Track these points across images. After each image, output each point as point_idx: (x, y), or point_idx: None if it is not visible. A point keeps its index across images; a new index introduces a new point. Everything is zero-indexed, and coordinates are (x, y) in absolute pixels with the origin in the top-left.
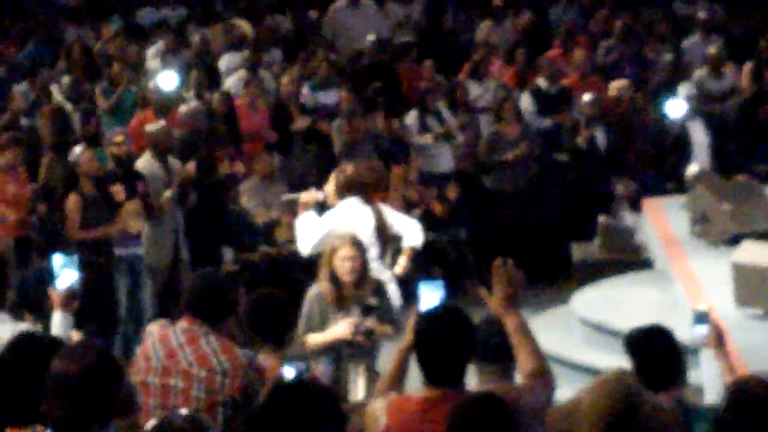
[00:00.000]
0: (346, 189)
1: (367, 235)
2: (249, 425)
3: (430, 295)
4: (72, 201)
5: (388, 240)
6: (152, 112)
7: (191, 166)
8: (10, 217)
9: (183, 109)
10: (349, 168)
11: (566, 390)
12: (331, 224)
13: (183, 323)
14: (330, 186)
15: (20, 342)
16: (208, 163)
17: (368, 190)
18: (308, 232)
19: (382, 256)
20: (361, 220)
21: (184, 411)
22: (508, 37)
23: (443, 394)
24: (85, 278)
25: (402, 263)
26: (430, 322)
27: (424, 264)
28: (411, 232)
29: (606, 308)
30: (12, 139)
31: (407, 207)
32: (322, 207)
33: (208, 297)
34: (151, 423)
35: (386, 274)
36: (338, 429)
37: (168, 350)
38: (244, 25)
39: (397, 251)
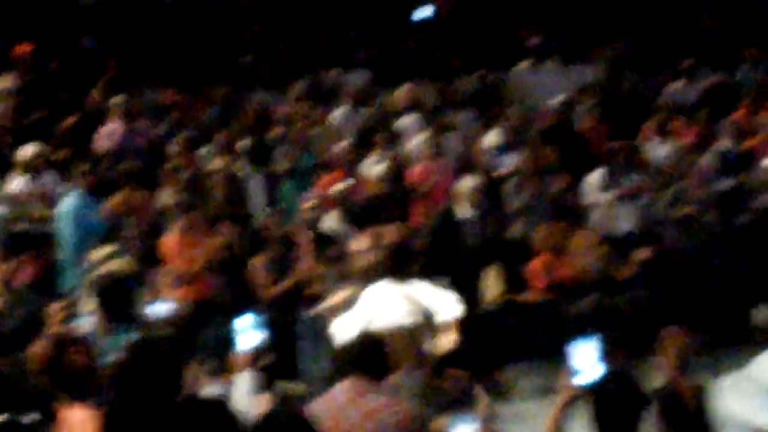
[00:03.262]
0: (369, 275)
1: (406, 312)
2: None
3: (584, 355)
4: (257, 263)
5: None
6: (341, 173)
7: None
8: (193, 279)
9: (367, 171)
10: (366, 256)
11: None
12: (365, 315)
13: (347, 383)
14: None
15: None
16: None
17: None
18: (347, 331)
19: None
20: (391, 301)
21: None
22: (692, 97)
23: None
24: (270, 339)
25: (448, 338)
26: (606, 388)
27: (602, 325)
28: (445, 306)
29: None
30: (185, 202)
31: (590, 267)
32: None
33: (371, 355)
34: None
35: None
36: None
37: (334, 408)
38: (424, 88)
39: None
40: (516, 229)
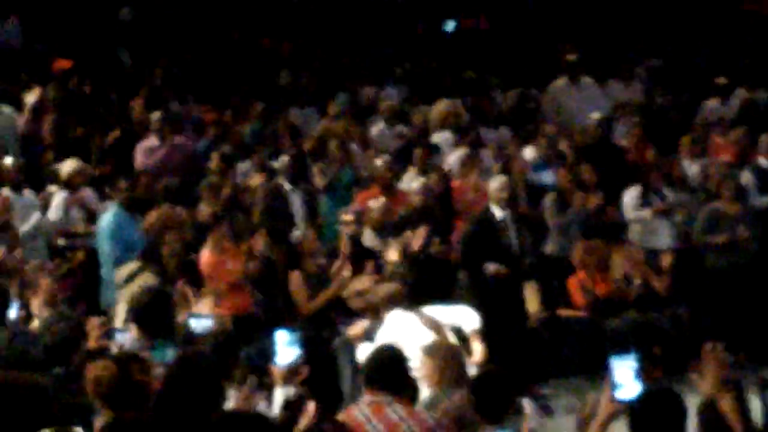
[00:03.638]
0: (385, 305)
1: (425, 338)
2: None
3: (624, 371)
4: (295, 278)
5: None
6: (377, 190)
7: (417, 241)
8: (230, 295)
9: (405, 187)
10: (381, 288)
11: None
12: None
13: (366, 397)
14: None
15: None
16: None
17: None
18: None
19: None
20: (410, 328)
21: None
22: (728, 115)
23: None
24: (308, 354)
25: (476, 349)
26: (647, 404)
27: (644, 343)
28: (465, 318)
29: None
30: (224, 218)
31: (627, 284)
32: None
33: (387, 369)
34: None
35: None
36: None
37: (356, 425)
38: (460, 104)
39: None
40: (555, 245)
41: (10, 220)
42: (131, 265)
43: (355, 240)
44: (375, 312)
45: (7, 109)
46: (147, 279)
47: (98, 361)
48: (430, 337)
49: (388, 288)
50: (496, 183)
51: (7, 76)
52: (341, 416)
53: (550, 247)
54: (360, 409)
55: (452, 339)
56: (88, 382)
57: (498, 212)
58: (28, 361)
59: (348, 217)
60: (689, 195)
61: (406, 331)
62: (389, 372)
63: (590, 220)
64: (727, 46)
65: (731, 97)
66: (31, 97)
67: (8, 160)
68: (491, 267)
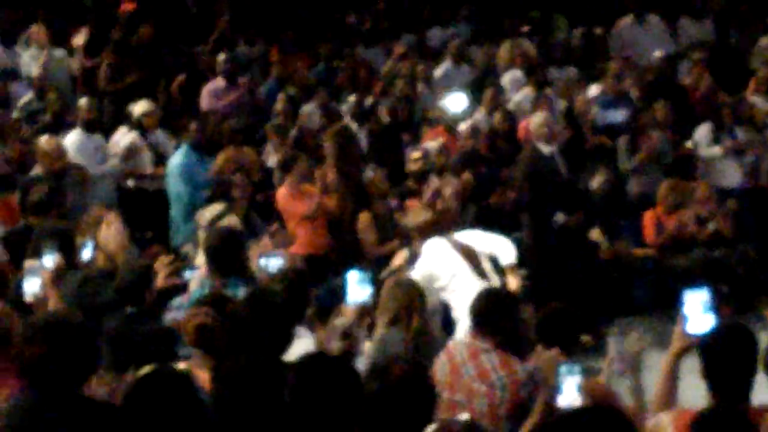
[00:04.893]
0: (417, 234)
1: (459, 267)
2: None
3: (696, 305)
4: (364, 219)
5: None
6: (442, 130)
7: (467, 178)
8: (303, 234)
9: (463, 126)
10: (413, 216)
11: None
12: (423, 273)
13: (468, 339)
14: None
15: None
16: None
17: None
18: None
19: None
20: (443, 254)
21: (464, 416)
22: None
23: (729, 408)
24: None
25: (512, 283)
26: (718, 339)
27: (712, 280)
28: (502, 250)
29: None
30: (292, 159)
31: (699, 223)
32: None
33: (491, 313)
34: (431, 428)
35: None
36: None
37: (453, 365)
38: (527, 44)
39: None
40: (637, 186)
41: (78, 162)
42: (215, 207)
43: (423, 178)
44: (408, 238)
45: (59, 53)
46: (231, 221)
47: (198, 309)
48: (462, 263)
49: (419, 216)
50: (537, 119)
51: (67, 18)
52: (442, 355)
53: (632, 188)
54: (459, 349)
55: (487, 266)
56: (188, 331)
57: (544, 148)
58: (99, 302)
59: (416, 154)
60: (759, 133)
61: (440, 258)
62: (494, 318)
63: (667, 159)
64: None
65: None
66: (79, 39)
67: (83, 101)
68: (560, 216)
